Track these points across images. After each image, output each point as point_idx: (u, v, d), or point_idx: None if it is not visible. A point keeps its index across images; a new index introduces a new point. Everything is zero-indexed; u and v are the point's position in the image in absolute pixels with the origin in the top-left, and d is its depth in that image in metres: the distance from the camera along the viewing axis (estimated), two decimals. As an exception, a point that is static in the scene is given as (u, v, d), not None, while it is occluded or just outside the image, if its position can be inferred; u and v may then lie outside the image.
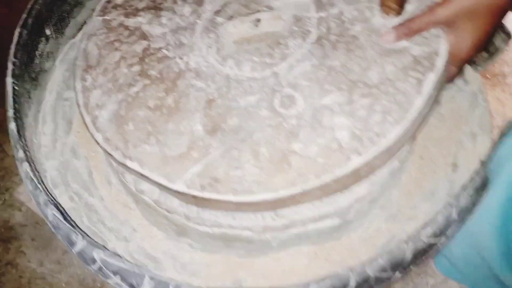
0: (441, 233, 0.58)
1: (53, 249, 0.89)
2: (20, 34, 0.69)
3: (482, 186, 0.61)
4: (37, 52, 0.77)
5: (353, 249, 0.69)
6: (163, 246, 0.71)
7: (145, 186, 0.65)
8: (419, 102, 0.55)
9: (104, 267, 0.53)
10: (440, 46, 0.58)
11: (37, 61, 0.77)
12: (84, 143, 0.80)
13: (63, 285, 0.86)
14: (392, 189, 0.71)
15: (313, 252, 0.68)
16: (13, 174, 0.98)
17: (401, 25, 0.58)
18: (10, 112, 0.61)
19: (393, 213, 0.71)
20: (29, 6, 0.72)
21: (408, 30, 0.58)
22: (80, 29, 0.88)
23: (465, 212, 0.60)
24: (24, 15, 0.71)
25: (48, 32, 0.79)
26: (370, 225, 0.71)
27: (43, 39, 0.78)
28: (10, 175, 0.98)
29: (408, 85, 0.56)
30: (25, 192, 0.84)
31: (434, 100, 0.59)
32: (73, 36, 0.87)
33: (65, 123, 0.81)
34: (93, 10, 0.89)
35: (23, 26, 0.70)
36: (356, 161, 0.53)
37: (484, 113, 0.77)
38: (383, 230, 0.71)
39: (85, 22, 0.89)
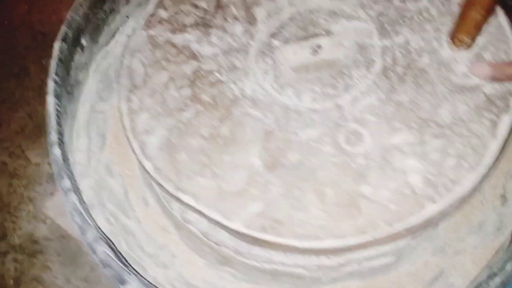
0: (509, 281, 0.55)
1: (80, 265, 0.86)
2: (61, 48, 0.65)
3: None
4: (73, 64, 0.73)
5: (401, 284, 0.67)
6: (204, 275, 0.68)
7: (192, 216, 0.62)
8: (494, 147, 0.52)
9: (157, 310, 0.51)
10: (514, 85, 0.55)
11: (72, 73, 0.73)
12: (118, 160, 0.76)
13: (91, 304, 0.83)
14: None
15: (362, 287, 0.66)
16: (37, 183, 0.94)
17: (497, 66, 0.55)
18: (54, 136, 0.57)
19: (441, 246, 0.69)
20: (68, 17, 0.68)
21: (505, 76, 0.54)
22: (113, 36, 0.84)
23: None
24: (64, 28, 0.67)
25: (84, 42, 0.75)
26: (417, 259, 0.68)
27: (79, 49, 0.74)
28: (33, 184, 0.94)
29: (482, 127, 0.53)
30: (53, 208, 0.81)
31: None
32: (107, 44, 0.83)
33: (99, 138, 0.77)
34: (127, 16, 0.85)
35: (64, 39, 0.66)
36: (430, 209, 0.50)
37: (536, 143, 0.74)
38: (431, 264, 0.69)
39: (118, 29, 0.85)
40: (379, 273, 0.65)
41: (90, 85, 0.80)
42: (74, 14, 0.69)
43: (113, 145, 0.78)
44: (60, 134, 0.60)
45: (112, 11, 0.82)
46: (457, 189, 0.50)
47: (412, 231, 0.52)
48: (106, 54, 0.83)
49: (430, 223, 0.52)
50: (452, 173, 0.51)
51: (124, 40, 0.84)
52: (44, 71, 1.05)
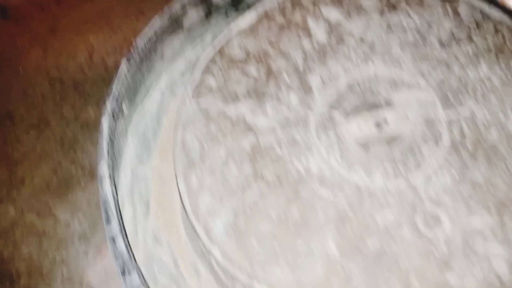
0: None
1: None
2: (110, 128, 0.63)
3: None
4: (116, 133, 0.70)
5: None
6: None
7: (260, 298, 0.60)
8: None
9: None
10: None
11: (116, 143, 0.70)
12: (164, 226, 0.74)
13: None
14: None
15: None
16: (68, 243, 0.91)
17: None
18: (116, 228, 0.55)
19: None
20: (114, 91, 0.65)
21: None
22: (147, 93, 0.82)
23: None
24: (110, 102, 0.64)
25: (124, 109, 0.72)
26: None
27: (120, 116, 0.72)
28: (65, 245, 0.90)
29: (561, 206, 0.53)
30: (96, 276, 0.78)
31: None
32: (142, 102, 0.81)
33: (142, 205, 0.75)
34: (161, 71, 0.83)
35: (113, 116, 0.63)
36: (520, 299, 0.49)
37: None
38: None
39: (152, 84, 0.82)
40: None
41: (129, 149, 0.77)
42: (119, 86, 0.66)
43: (158, 211, 0.75)
44: (121, 221, 0.57)
45: (148, 68, 0.79)
46: (545, 276, 0.50)
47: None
48: (142, 114, 0.80)
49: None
50: (538, 258, 0.51)
51: (159, 97, 0.82)
52: (65, 120, 1.02)
